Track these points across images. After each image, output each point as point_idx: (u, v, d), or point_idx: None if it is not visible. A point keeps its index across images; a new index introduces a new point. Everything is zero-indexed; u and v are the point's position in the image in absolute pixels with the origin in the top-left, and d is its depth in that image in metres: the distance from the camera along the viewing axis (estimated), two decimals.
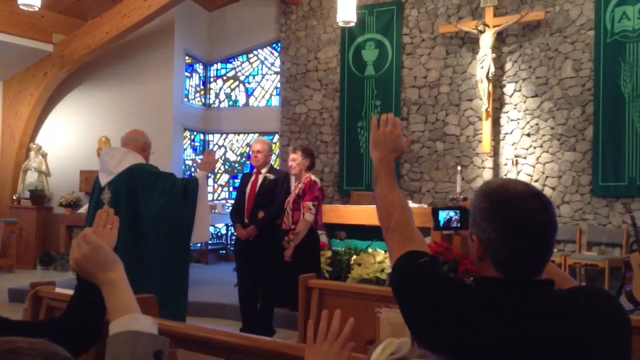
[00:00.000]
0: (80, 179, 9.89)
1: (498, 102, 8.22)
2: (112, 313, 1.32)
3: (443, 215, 1.66)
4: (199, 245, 9.35)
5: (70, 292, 1.87)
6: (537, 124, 7.97)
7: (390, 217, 1.59)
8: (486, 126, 8.04)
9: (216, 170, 10.63)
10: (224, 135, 10.82)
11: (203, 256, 9.88)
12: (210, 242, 10.12)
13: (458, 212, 1.64)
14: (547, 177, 7.85)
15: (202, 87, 10.88)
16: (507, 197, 1.33)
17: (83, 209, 9.18)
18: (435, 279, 1.39)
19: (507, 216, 1.31)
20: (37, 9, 6.64)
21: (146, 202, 4.02)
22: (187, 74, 10.37)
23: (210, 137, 10.90)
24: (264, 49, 10.54)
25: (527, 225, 1.30)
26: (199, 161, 4.48)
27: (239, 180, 5.95)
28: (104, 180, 4.15)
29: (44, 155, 10.21)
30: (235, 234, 5.44)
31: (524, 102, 8.09)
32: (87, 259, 1.41)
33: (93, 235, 1.47)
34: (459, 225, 1.64)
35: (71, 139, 10.15)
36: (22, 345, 0.87)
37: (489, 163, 8.26)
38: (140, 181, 4.06)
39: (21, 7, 6.48)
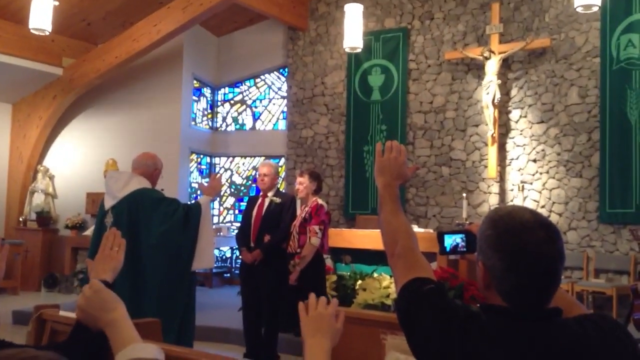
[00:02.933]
0: (86, 201, 9.92)
1: (504, 128, 8.23)
2: (117, 349, 1.36)
3: (449, 240, 1.65)
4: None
5: (75, 315, 1.86)
6: (543, 150, 7.97)
7: (395, 243, 1.58)
8: (492, 152, 8.05)
9: (222, 193, 10.65)
10: (231, 159, 10.86)
11: (207, 279, 9.84)
12: (215, 265, 10.10)
13: (464, 236, 1.63)
14: (553, 203, 7.82)
15: (209, 110, 10.97)
16: (513, 227, 1.31)
17: (89, 231, 9.19)
18: (441, 306, 1.37)
19: (512, 247, 1.30)
20: (47, 33, 6.74)
21: (147, 228, 4.01)
22: (194, 97, 10.47)
23: (216, 160, 10.95)
24: (271, 74, 10.64)
25: (532, 257, 1.28)
26: (205, 185, 4.46)
27: (245, 204, 5.96)
28: (108, 204, 4.15)
29: (51, 178, 10.27)
30: (241, 257, 5.43)
31: (530, 128, 8.10)
32: (90, 302, 1.46)
33: (97, 281, 1.52)
34: (465, 249, 1.63)
35: (78, 161, 10.21)
36: (39, 354, 0.93)
37: (495, 188, 8.25)
38: (142, 207, 4.04)
39: (32, 31, 6.59)
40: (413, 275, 1.47)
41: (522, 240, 1.29)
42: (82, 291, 1.51)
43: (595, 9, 6.13)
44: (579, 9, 6.14)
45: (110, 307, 1.45)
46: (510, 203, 8.09)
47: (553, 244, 1.30)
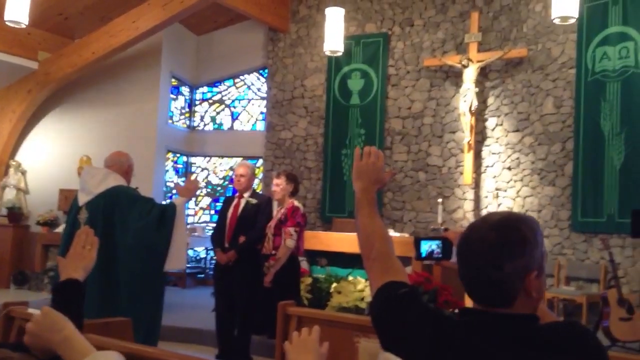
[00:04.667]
0: (59, 198, 9.76)
1: (480, 135, 8.33)
2: None
3: (425, 246, 1.67)
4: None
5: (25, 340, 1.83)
6: (517, 158, 8.08)
7: (372, 247, 1.59)
8: (468, 158, 8.13)
9: (198, 193, 10.57)
10: (208, 158, 10.79)
11: (180, 280, 9.75)
12: (188, 265, 10.01)
13: (440, 242, 1.65)
14: (527, 211, 7.92)
15: (187, 109, 10.88)
16: (475, 224, 1.38)
17: (61, 228, 9.04)
18: (415, 310, 1.39)
19: (460, 241, 1.37)
20: (24, 26, 6.61)
21: (122, 225, 3.99)
22: (172, 96, 10.38)
23: (193, 159, 10.87)
24: (251, 75, 10.60)
25: (464, 254, 1.35)
26: (181, 186, 4.43)
27: (220, 204, 5.93)
28: (82, 199, 4.10)
29: (23, 173, 10.08)
30: (215, 258, 5.39)
31: (506, 136, 8.20)
32: (40, 325, 1.47)
33: (45, 306, 1.56)
34: (440, 256, 1.66)
35: (52, 157, 10.04)
36: (14, 356, 0.93)
37: (470, 195, 8.33)
38: (118, 204, 4.02)
39: (8, 23, 6.46)
40: (388, 278, 1.49)
41: (468, 235, 1.36)
42: (30, 319, 1.53)
43: (572, 20, 6.24)
44: (557, 21, 6.24)
45: (59, 327, 1.47)
46: (485, 210, 8.19)
47: (491, 231, 1.32)
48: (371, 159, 1.74)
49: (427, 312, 1.38)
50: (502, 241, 1.31)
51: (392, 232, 6.97)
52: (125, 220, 3.99)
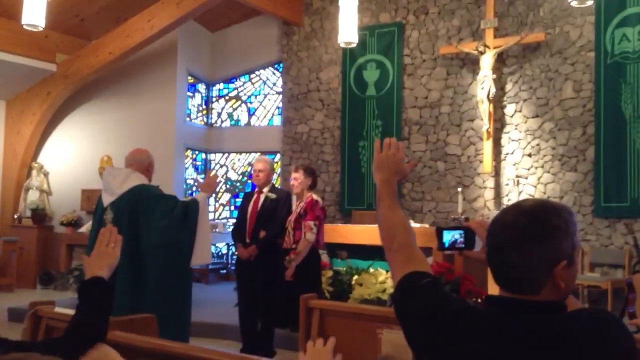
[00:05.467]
0: (81, 198, 9.89)
1: (499, 123, 8.24)
2: None
3: (448, 236, 1.66)
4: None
5: (70, 312, 1.86)
6: (538, 145, 7.98)
7: (393, 238, 1.59)
8: (487, 146, 8.06)
9: (217, 190, 10.63)
10: (226, 155, 10.84)
11: (203, 276, 9.83)
12: (211, 261, 10.08)
13: (462, 232, 1.64)
14: (548, 197, 7.83)
15: (204, 106, 10.94)
16: (507, 208, 1.37)
17: (84, 228, 9.17)
18: (437, 299, 1.39)
19: (491, 224, 1.38)
20: (41, 29, 6.69)
21: (146, 224, 4.02)
22: (189, 93, 10.44)
23: (212, 156, 10.93)
24: (266, 69, 10.61)
25: (491, 235, 1.35)
26: (201, 182, 4.47)
27: (240, 200, 5.95)
28: (106, 200, 4.14)
29: (46, 174, 10.23)
30: (236, 253, 5.42)
31: (525, 123, 8.11)
32: None
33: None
34: (463, 245, 1.65)
35: (73, 158, 10.17)
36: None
37: (490, 183, 8.26)
38: (141, 203, 4.05)
39: (25, 27, 6.54)
40: (410, 269, 1.49)
41: (497, 219, 1.36)
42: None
43: (590, 2, 6.12)
44: (574, 3, 6.13)
45: None
46: (506, 198, 8.11)
47: (509, 229, 1.32)
48: (391, 150, 1.74)
49: (450, 300, 1.38)
50: (530, 227, 1.30)
51: (412, 223, 6.94)
52: (149, 219, 4.02)
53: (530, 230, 1.30)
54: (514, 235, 1.30)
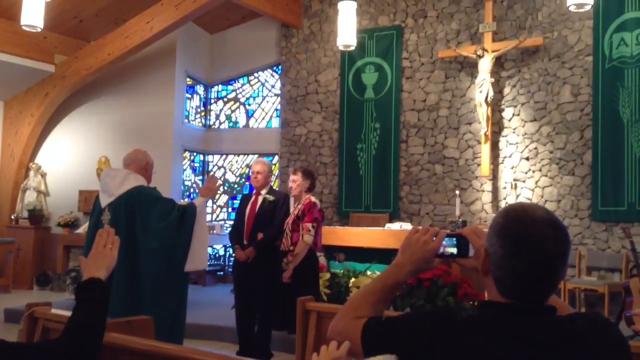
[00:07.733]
0: (79, 199, 9.88)
1: (497, 126, 8.26)
2: None
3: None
4: None
5: (67, 313, 1.85)
6: (535, 148, 8.00)
7: (339, 318, 1.58)
8: (485, 150, 8.07)
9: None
10: (224, 156, 10.84)
11: (200, 277, 9.81)
12: (208, 263, 10.07)
13: (455, 239, 1.55)
14: (546, 201, 7.85)
15: (202, 108, 10.94)
16: (523, 218, 1.31)
17: (81, 229, 9.15)
18: (427, 312, 1.40)
19: (517, 235, 1.29)
20: (39, 30, 6.69)
21: (143, 226, 4.00)
22: (187, 95, 10.44)
23: (210, 158, 10.92)
24: (265, 71, 10.62)
25: (533, 249, 1.28)
26: (200, 185, 4.45)
27: (238, 202, 5.95)
28: (104, 201, 4.13)
29: (43, 175, 10.21)
30: (234, 255, 5.42)
31: (523, 126, 8.12)
32: None
33: None
34: (455, 253, 1.55)
35: (71, 159, 10.16)
36: None
37: (487, 186, 8.27)
38: (139, 204, 4.03)
39: (24, 28, 6.54)
40: (364, 316, 1.49)
41: (528, 230, 1.29)
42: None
43: (588, 7, 6.14)
44: (572, 8, 6.15)
45: None
46: (503, 201, 8.13)
47: (558, 243, 1.29)
48: (426, 236, 1.54)
49: (439, 311, 1.39)
50: (566, 236, 1.33)
51: (409, 226, 6.95)
52: (147, 221, 4.01)
53: (567, 240, 1.33)
54: (563, 248, 1.30)
